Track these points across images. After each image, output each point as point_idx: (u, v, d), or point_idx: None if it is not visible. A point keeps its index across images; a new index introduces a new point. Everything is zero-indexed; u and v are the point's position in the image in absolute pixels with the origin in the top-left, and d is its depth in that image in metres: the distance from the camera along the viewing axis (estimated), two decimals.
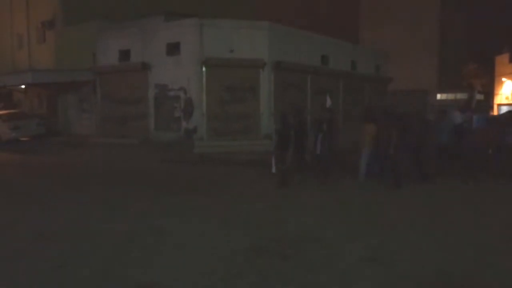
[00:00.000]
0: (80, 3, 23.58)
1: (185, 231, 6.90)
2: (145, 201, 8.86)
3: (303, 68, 19.18)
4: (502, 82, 39.69)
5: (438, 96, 39.57)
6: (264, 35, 17.48)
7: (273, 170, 10.61)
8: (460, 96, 37.74)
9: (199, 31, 17.03)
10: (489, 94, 42.32)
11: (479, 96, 41.26)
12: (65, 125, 23.21)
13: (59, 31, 24.09)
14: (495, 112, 37.89)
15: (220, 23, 17.64)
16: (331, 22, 44.93)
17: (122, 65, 19.72)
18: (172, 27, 18.19)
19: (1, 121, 20.52)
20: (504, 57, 39.89)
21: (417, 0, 44.87)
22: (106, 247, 6.11)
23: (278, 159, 10.27)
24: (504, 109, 33.88)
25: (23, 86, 24.19)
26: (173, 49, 17.94)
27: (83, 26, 21.91)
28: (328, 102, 11.65)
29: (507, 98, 39.20)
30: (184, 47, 17.55)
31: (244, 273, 5.16)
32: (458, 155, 11.30)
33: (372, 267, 5.30)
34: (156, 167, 13.60)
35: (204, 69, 17.05)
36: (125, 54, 19.67)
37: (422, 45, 44.53)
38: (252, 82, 17.40)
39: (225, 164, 13.68)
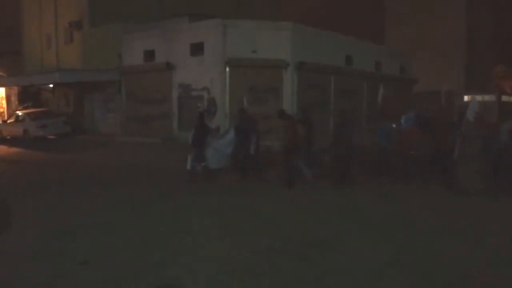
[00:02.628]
0: (106, 5, 23.97)
1: (203, 230, 6.94)
2: (164, 200, 8.97)
3: (327, 69, 19.01)
4: None
5: (465, 98, 38.67)
6: (287, 35, 17.40)
7: (188, 166, 11.04)
8: (487, 98, 36.79)
9: (222, 32, 17.08)
10: None
11: (509, 98, 40.10)
12: (91, 124, 23.62)
13: (86, 32, 24.54)
14: None
15: (243, 24, 17.66)
16: (356, 22, 44.45)
17: (146, 65, 19.96)
18: (196, 28, 18.31)
19: (30, 119, 21.06)
20: None
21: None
22: (126, 245, 6.20)
23: (196, 157, 10.80)
24: None
25: (51, 86, 24.75)
26: (197, 49, 18.05)
27: (109, 27, 22.28)
28: (245, 103, 11.83)
29: None
30: (207, 47, 17.64)
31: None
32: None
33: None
34: (177, 166, 13.67)
35: (227, 69, 17.11)
36: (149, 55, 19.90)
37: (449, 45, 43.59)
38: (275, 83, 17.35)
39: None
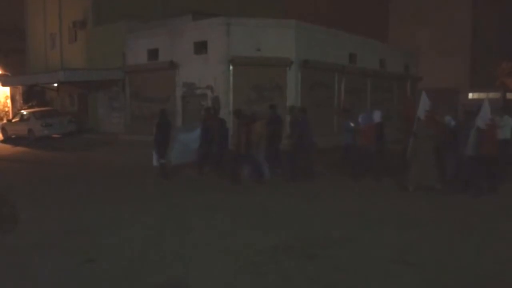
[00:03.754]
0: (110, 4, 24.00)
1: (208, 228, 6.94)
2: (167, 198, 8.98)
3: (331, 67, 18.97)
4: None
5: (470, 96, 38.54)
6: (291, 33, 17.37)
7: (154, 163, 11.10)
8: (492, 95, 36.63)
9: (226, 30, 17.07)
10: None
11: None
12: (95, 123, 23.68)
13: (89, 31, 24.58)
14: None
15: (247, 22, 17.64)
16: (361, 20, 44.33)
17: (150, 64, 19.98)
18: (200, 26, 18.31)
19: (34, 119, 21.12)
20: None
21: None
22: (130, 244, 6.21)
23: (159, 153, 10.92)
24: None
25: (55, 85, 24.82)
26: (201, 48, 18.05)
27: (113, 26, 22.29)
28: (209, 103, 12.09)
29: None
30: (211, 46, 17.64)
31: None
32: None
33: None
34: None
35: (231, 67, 17.10)
36: (153, 53, 19.92)
37: (454, 43, 43.45)
38: (279, 81, 17.33)
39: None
